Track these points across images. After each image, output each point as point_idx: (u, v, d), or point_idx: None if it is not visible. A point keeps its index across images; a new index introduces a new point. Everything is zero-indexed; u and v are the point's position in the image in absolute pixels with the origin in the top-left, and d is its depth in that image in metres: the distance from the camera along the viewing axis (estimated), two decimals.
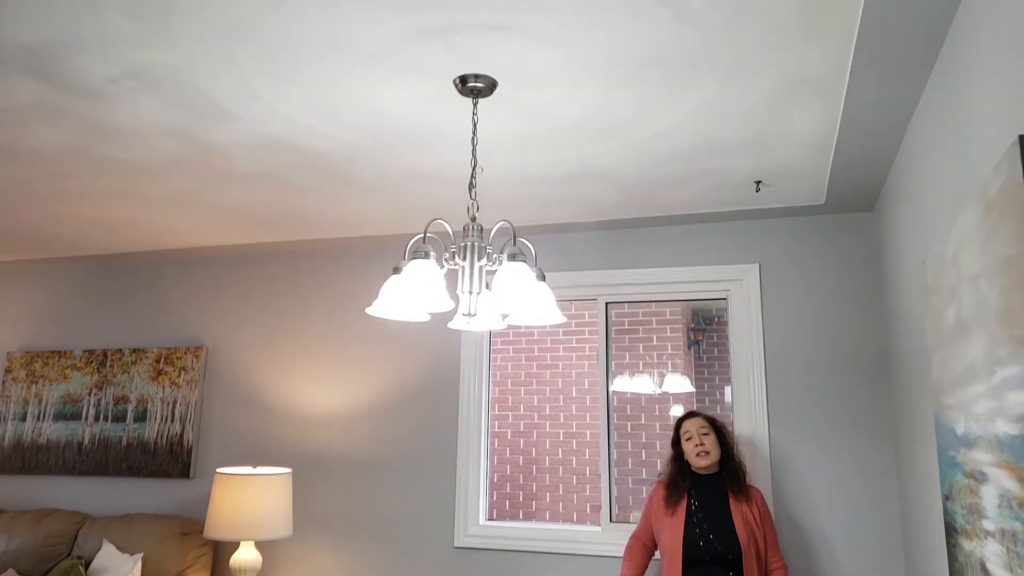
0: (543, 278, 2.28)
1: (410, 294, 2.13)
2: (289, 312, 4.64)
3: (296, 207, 3.78)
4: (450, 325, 2.27)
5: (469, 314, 2.21)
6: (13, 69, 2.37)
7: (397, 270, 2.29)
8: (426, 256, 2.20)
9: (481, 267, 2.26)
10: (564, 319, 2.34)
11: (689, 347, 7.51)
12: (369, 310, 2.24)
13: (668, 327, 7.21)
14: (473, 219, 2.29)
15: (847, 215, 3.77)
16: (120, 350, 4.84)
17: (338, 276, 4.60)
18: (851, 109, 2.51)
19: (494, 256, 2.27)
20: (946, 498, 2.21)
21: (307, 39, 2.15)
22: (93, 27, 2.11)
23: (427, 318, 2.32)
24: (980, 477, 1.80)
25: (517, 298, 2.12)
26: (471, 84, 2.33)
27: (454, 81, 2.35)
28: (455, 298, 4.22)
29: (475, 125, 2.32)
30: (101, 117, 2.72)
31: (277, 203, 3.72)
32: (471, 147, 2.53)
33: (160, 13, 2.04)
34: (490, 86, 2.35)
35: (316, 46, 2.19)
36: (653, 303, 4.94)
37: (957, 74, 1.97)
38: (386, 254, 4.52)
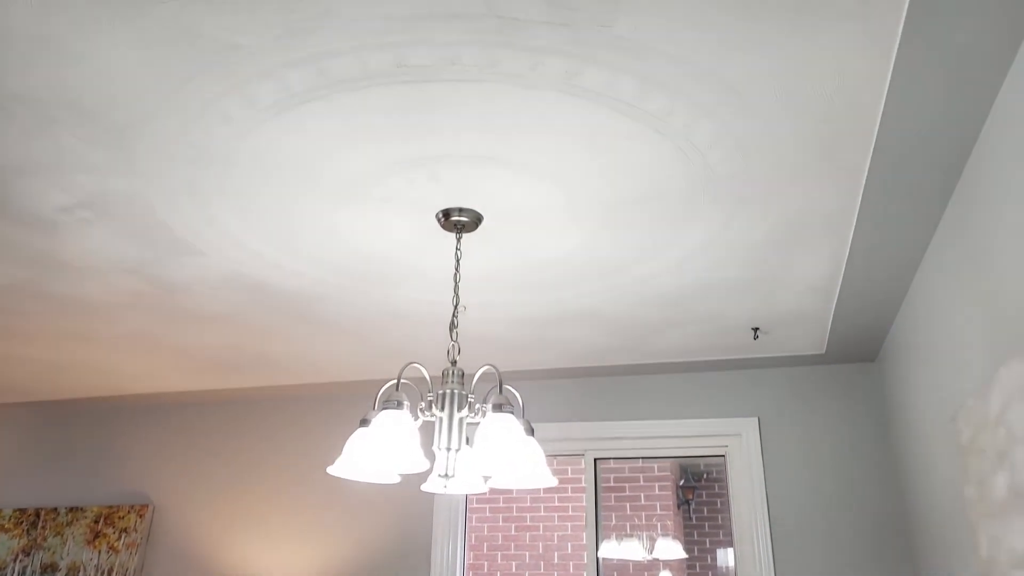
0: (532, 432, 2.00)
1: (379, 451, 1.84)
2: (246, 467, 4.25)
3: (259, 350, 3.51)
4: (424, 488, 1.96)
5: (446, 475, 1.91)
6: None
7: (365, 422, 2.01)
8: (398, 406, 1.92)
9: (461, 419, 1.99)
10: (556, 481, 2.04)
11: (679, 506, 7.06)
12: (331, 470, 1.94)
13: (656, 484, 6.80)
14: (453, 363, 2.05)
15: (848, 366, 3.57)
16: (55, 509, 4.37)
17: (302, 427, 4.25)
18: (857, 250, 2.36)
19: (477, 406, 2.00)
20: None
21: (279, 168, 1.99)
22: (46, 151, 1.94)
23: (397, 479, 2.01)
24: None
25: (503, 456, 1.84)
26: (455, 218, 2.16)
27: (437, 215, 2.19)
28: (430, 455, 3.87)
29: (458, 261, 2.13)
30: (51, 250, 2.50)
31: (239, 346, 3.45)
32: (453, 284, 2.34)
33: (120, 137, 1.87)
34: (475, 220, 2.18)
35: (288, 176, 2.02)
36: (648, 459, 4.61)
37: (976, 214, 1.82)
38: (355, 402, 4.21)
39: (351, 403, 4.22)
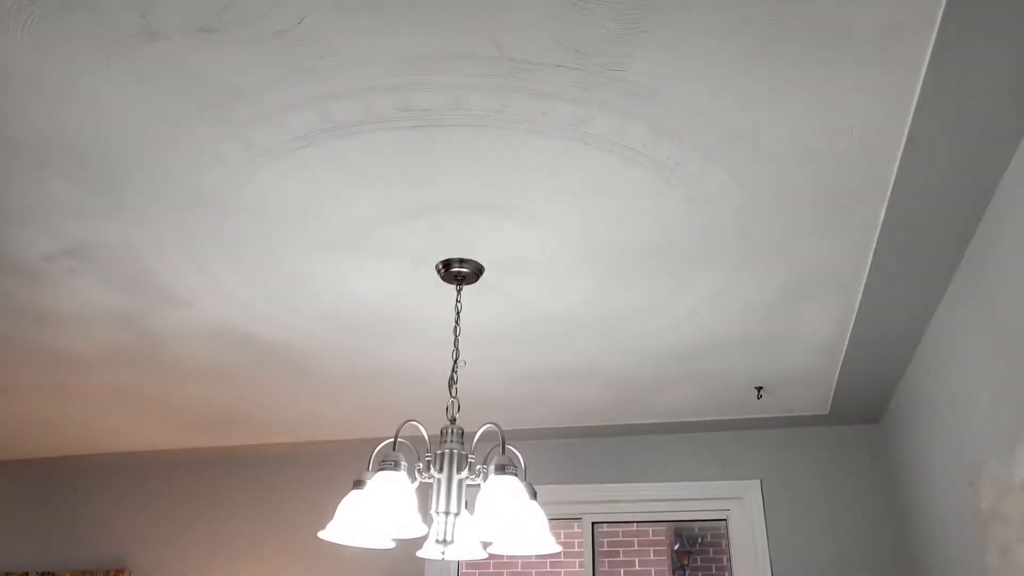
0: (535, 495, 1.90)
1: (374, 515, 1.72)
2: (231, 531, 4.06)
3: (247, 407, 3.39)
4: (420, 554, 1.84)
5: (444, 540, 1.79)
6: None
7: (359, 484, 1.90)
8: (395, 466, 1.82)
9: (461, 480, 1.89)
10: (559, 548, 1.93)
11: (674, 572, 6.84)
12: (323, 534, 1.82)
13: (651, 549, 6.59)
14: (453, 420, 1.95)
15: (852, 427, 3.48)
16: (26, 574, 4.14)
17: (292, 489, 4.08)
18: (867, 307, 2.30)
19: (478, 467, 1.90)
20: None
21: (273, 215, 1.92)
22: (33, 196, 1.86)
23: (391, 545, 1.89)
24: None
25: (507, 521, 1.73)
26: (455, 269, 2.09)
27: (436, 266, 2.12)
28: (428, 519, 3.71)
29: (458, 314, 2.05)
30: (34, 299, 2.40)
31: (226, 402, 3.33)
32: (453, 337, 2.26)
33: (111, 181, 1.80)
34: (475, 272, 2.11)
35: (283, 223, 1.96)
36: (645, 523, 4.45)
37: (993, 268, 1.77)
38: (348, 463, 4.06)
39: (344, 464, 4.06)
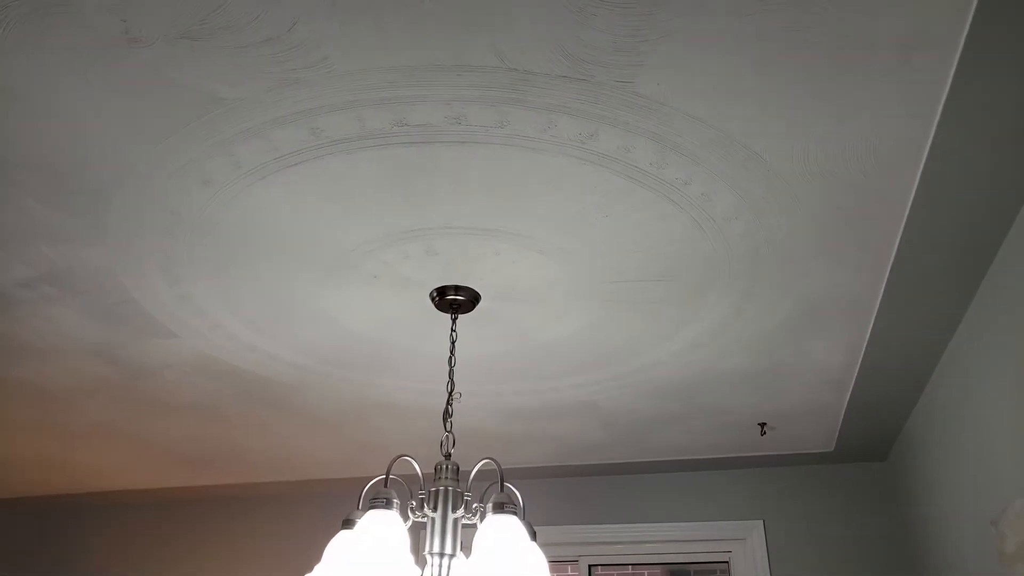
0: (535, 536, 1.78)
1: (363, 556, 1.60)
2: (216, 572, 3.88)
3: (232, 444, 3.25)
4: None
5: None
6: None
7: (348, 523, 1.78)
8: (387, 505, 1.70)
9: (456, 520, 1.77)
10: None
11: None
12: None
13: None
14: (448, 456, 1.84)
15: (857, 465, 3.37)
16: None
17: (279, 529, 3.92)
18: (877, 338, 2.22)
19: (474, 506, 1.79)
20: None
21: (260, 239, 1.83)
22: (7, 218, 1.77)
23: None
24: None
25: (506, 564, 1.61)
26: (450, 297, 2.00)
27: (431, 294, 2.02)
28: (421, 560, 3.55)
29: (453, 344, 1.95)
30: (8, 329, 2.29)
31: (210, 438, 3.19)
32: (448, 368, 2.16)
33: (89, 202, 1.71)
34: (471, 300, 2.02)
35: (269, 248, 1.87)
36: (643, 565, 4.30)
37: (1016, 297, 1.70)
38: (338, 503, 3.91)
39: (334, 504, 3.91)
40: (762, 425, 2.97)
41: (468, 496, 1.81)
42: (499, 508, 1.71)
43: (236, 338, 2.31)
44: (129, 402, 2.82)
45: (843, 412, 2.81)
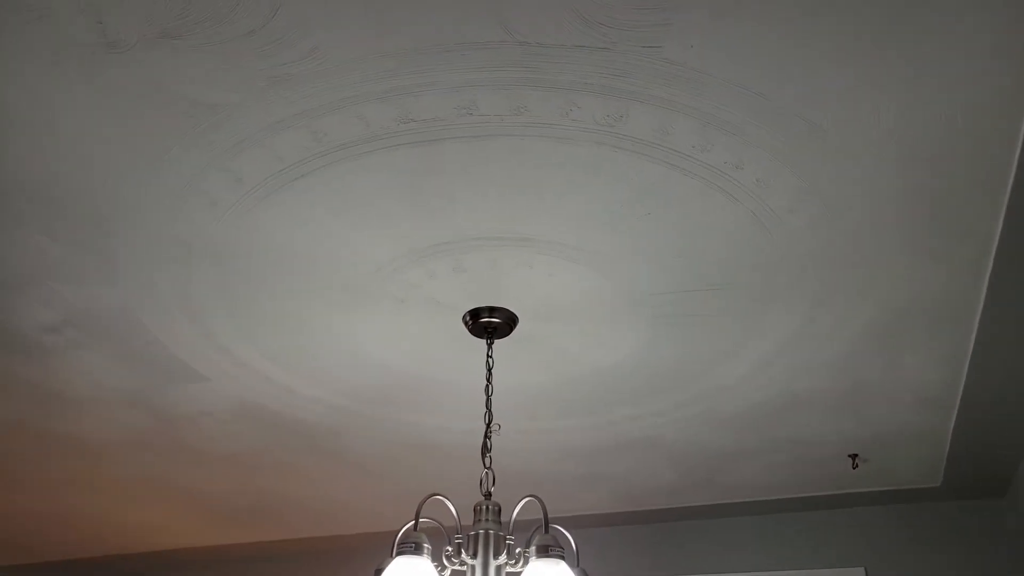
0: None
1: None
2: None
3: (276, 494, 3.12)
4: None
5: None
6: None
7: (378, 572, 1.59)
8: (416, 550, 1.51)
9: (500, 567, 1.57)
10: None
11: None
12: None
13: None
14: (488, 495, 1.65)
15: (971, 502, 2.99)
16: None
17: None
18: (984, 346, 1.93)
19: (517, 550, 1.58)
20: None
21: (275, 264, 1.71)
22: (19, 256, 1.70)
23: None
24: None
25: None
26: (484, 320, 1.82)
27: (464, 317, 1.86)
28: None
29: (489, 370, 1.78)
30: (41, 379, 2.23)
31: (254, 490, 3.07)
32: (485, 398, 1.97)
33: (96, 233, 1.62)
34: (508, 322, 1.84)
35: (286, 273, 1.74)
36: None
37: None
38: (376, 557, 3.71)
39: (373, 558, 3.72)
40: (853, 457, 2.66)
41: (511, 540, 1.60)
42: (543, 551, 1.50)
43: (268, 379, 2.19)
44: (170, 453, 2.73)
45: (949, 439, 2.48)
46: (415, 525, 1.59)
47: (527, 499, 1.61)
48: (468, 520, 1.66)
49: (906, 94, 1.25)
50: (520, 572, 1.57)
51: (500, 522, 1.63)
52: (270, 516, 3.37)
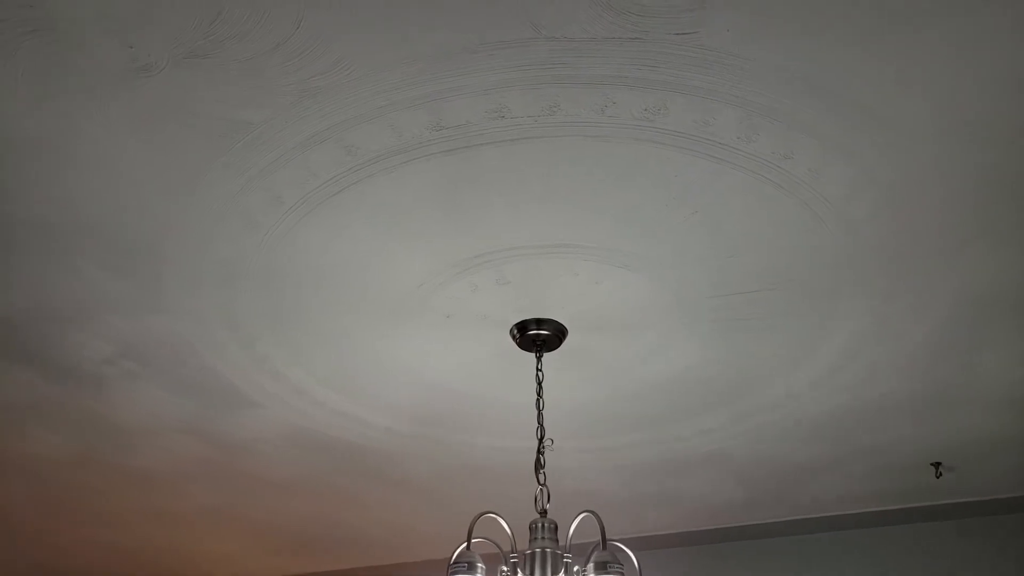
0: None
1: None
2: None
3: (338, 521, 3.11)
4: None
5: None
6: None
7: None
8: (469, 570, 1.46)
9: None
10: None
11: None
12: None
13: None
14: (543, 512, 1.59)
15: None
16: None
17: None
18: None
19: (575, 568, 1.52)
20: None
21: (320, 285, 1.70)
22: (70, 289, 1.73)
23: None
24: None
25: None
26: (532, 332, 1.78)
27: (511, 331, 1.81)
28: None
29: (540, 384, 1.73)
30: (101, 411, 2.27)
31: (317, 516, 3.07)
32: (536, 412, 1.91)
33: (142, 261, 1.64)
34: (557, 334, 1.79)
35: (334, 295, 1.73)
36: None
37: None
38: None
39: None
40: (936, 466, 2.51)
41: (568, 558, 1.54)
42: (601, 568, 1.44)
43: (322, 403, 2.19)
44: (231, 482, 2.75)
45: None
46: (468, 545, 1.55)
47: (583, 514, 1.54)
48: (524, 540, 1.60)
49: (963, 71, 1.17)
50: None
51: (556, 540, 1.57)
52: (336, 542, 3.37)
